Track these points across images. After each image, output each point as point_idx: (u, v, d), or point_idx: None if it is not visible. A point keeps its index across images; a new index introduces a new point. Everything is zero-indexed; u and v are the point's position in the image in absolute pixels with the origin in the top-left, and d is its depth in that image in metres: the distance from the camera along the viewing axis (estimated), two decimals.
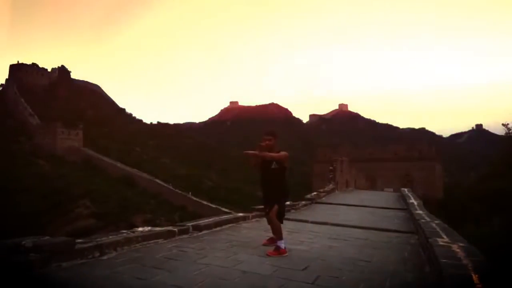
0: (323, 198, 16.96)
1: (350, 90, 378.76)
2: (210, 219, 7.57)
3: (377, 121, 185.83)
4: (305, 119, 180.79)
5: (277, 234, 5.54)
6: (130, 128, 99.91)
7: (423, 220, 7.97)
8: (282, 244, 5.41)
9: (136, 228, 5.82)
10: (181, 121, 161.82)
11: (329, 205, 14.78)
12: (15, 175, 54.86)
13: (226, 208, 47.78)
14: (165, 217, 46.87)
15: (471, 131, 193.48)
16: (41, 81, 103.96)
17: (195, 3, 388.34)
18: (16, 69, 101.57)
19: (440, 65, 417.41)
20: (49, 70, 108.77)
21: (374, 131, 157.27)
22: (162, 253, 4.82)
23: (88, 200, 50.58)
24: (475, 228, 21.70)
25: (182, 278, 3.86)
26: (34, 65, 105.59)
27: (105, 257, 4.40)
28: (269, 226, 5.82)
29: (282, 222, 5.74)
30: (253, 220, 8.80)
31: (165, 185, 60.23)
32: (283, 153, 5.70)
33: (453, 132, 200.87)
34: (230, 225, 7.75)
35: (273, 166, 5.64)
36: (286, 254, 5.31)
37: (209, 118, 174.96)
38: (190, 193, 58.06)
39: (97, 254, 4.39)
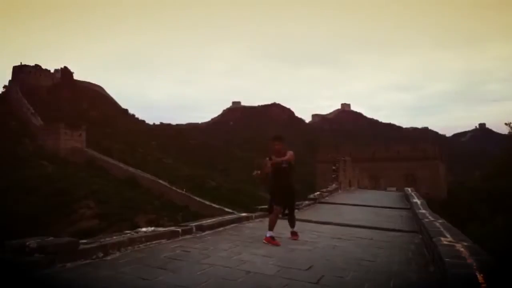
0: (326, 198, 16.93)
1: (352, 89, 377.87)
2: (213, 219, 7.58)
3: (379, 120, 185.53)
4: (307, 119, 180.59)
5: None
6: (133, 129, 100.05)
7: (426, 220, 7.94)
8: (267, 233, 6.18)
9: (140, 229, 5.84)
10: (184, 122, 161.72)
11: (332, 205, 14.75)
12: (19, 176, 55.06)
13: (229, 208, 47.79)
14: (168, 217, 46.92)
15: (475, 130, 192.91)
16: (44, 82, 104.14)
17: (198, 3, 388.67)
18: (19, 71, 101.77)
19: (442, 64, 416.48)
20: (52, 71, 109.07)
21: (377, 130, 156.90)
22: (166, 254, 4.82)
23: (92, 200, 50.66)
24: (480, 227, 21.66)
25: (185, 279, 3.86)
26: (37, 66, 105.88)
27: (109, 258, 4.41)
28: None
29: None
30: (256, 220, 8.80)
31: (173, 187, 60.21)
32: (290, 152, 6.54)
33: (457, 131, 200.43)
34: (233, 225, 7.76)
35: (284, 165, 6.44)
36: (267, 243, 5.99)
37: (212, 119, 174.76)
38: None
39: (101, 254, 4.39)
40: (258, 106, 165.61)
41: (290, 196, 6.61)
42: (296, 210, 11.41)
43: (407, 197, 18.50)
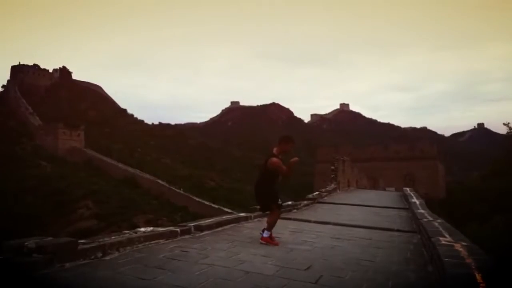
0: (325, 198, 16.93)
1: (351, 89, 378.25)
2: (212, 219, 7.56)
3: (378, 120, 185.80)
4: (306, 118, 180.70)
5: None
6: (132, 129, 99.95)
7: (425, 220, 7.95)
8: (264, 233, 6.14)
9: (138, 229, 5.81)
10: (183, 122, 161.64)
11: (331, 205, 14.76)
12: (17, 176, 54.99)
13: (228, 208, 47.77)
14: (167, 217, 46.89)
15: (473, 130, 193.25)
16: (43, 82, 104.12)
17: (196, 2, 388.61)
18: (18, 70, 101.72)
19: (441, 64, 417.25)
20: (51, 70, 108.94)
21: (376, 130, 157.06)
22: (165, 254, 4.81)
23: (90, 201, 50.63)
24: (478, 227, 21.71)
25: (184, 279, 3.86)
26: (35, 66, 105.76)
27: (107, 258, 4.40)
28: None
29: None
30: (255, 220, 8.79)
31: (172, 187, 60.23)
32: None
33: (455, 131, 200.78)
34: (232, 225, 7.74)
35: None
36: (265, 243, 5.94)
37: (211, 119, 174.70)
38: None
39: (99, 254, 4.38)
40: (257, 106, 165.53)
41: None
42: (294, 210, 11.48)
43: (405, 197, 18.53)
